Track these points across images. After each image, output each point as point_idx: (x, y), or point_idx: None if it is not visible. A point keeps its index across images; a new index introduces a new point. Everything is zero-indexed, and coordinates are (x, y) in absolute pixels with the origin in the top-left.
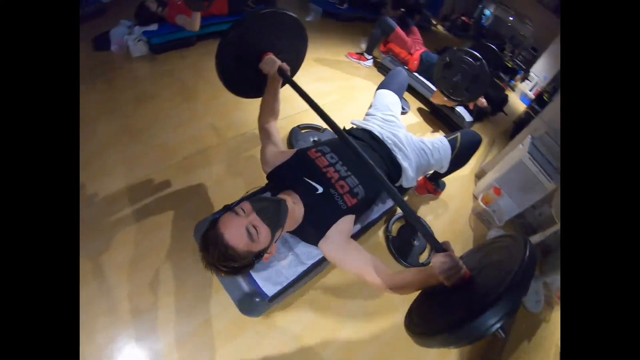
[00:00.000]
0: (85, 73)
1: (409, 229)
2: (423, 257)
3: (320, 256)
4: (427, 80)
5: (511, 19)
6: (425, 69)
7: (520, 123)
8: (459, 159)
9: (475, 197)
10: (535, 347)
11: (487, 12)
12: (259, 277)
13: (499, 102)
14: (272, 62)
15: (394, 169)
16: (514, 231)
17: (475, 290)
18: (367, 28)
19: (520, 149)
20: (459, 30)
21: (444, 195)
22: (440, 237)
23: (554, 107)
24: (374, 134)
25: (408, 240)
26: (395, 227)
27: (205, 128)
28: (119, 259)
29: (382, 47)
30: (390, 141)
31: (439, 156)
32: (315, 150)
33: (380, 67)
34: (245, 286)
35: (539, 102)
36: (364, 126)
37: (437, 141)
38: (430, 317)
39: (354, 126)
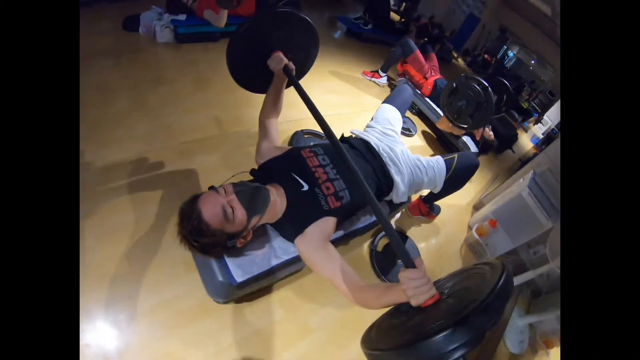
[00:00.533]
0: (111, 50)
1: None
2: None
3: (296, 254)
4: (438, 106)
5: (533, 62)
6: (437, 95)
7: (527, 161)
8: (454, 181)
9: (469, 228)
10: None
11: (510, 53)
12: (231, 262)
13: (508, 139)
14: (279, 60)
15: (386, 181)
16: None
17: (438, 314)
18: (386, 51)
19: (520, 183)
20: (479, 67)
21: (437, 220)
22: (426, 262)
23: (558, 144)
24: (371, 145)
25: (392, 258)
26: (381, 243)
27: (212, 118)
28: (101, 226)
29: (399, 66)
30: (385, 154)
31: (433, 174)
32: (309, 150)
33: (393, 87)
34: (216, 268)
35: (547, 142)
36: (362, 136)
37: (433, 160)
38: (388, 334)
39: (353, 135)
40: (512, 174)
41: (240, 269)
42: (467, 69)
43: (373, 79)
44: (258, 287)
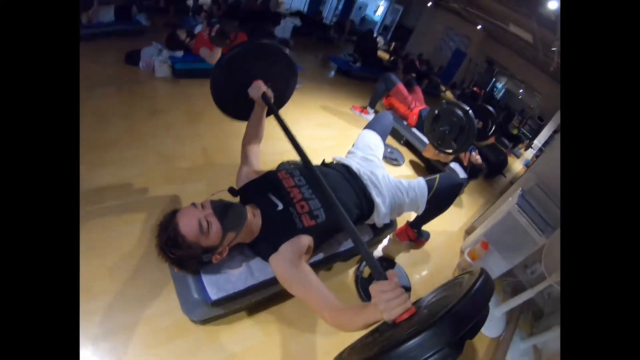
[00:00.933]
0: (112, 81)
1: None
2: None
3: (273, 274)
4: (424, 134)
5: (521, 91)
6: (422, 124)
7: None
8: (437, 201)
9: (462, 252)
10: None
11: (499, 84)
12: (206, 279)
13: (498, 164)
14: (258, 88)
15: (367, 203)
16: (502, 290)
17: (410, 325)
18: (374, 87)
19: (509, 202)
20: (468, 99)
21: (428, 246)
22: (417, 289)
23: (544, 159)
24: (351, 169)
25: None
26: (367, 270)
27: (201, 147)
28: (87, 242)
29: (384, 100)
30: (366, 177)
31: (415, 195)
32: (286, 172)
33: None
34: (192, 286)
35: None
36: (343, 161)
37: (414, 181)
38: (358, 353)
39: (334, 161)
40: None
41: (215, 286)
42: (452, 100)
43: (362, 114)
44: (235, 308)
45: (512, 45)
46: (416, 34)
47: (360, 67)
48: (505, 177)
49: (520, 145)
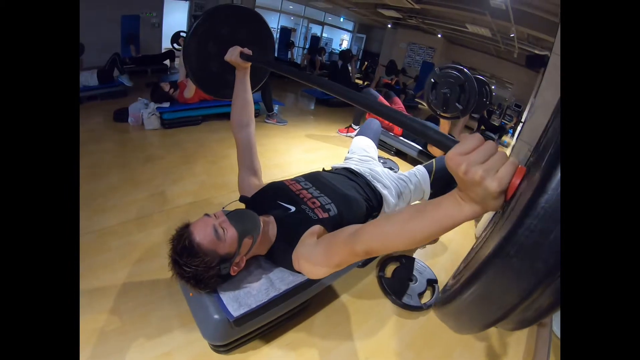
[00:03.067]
0: (103, 138)
1: (405, 269)
2: (426, 298)
3: (295, 283)
4: (413, 141)
5: (493, 87)
6: (408, 133)
7: None
8: (440, 182)
9: (477, 238)
10: None
11: None
12: (226, 296)
13: None
14: (233, 50)
15: (374, 196)
16: None
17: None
18: (354, 110)
19: None
20: None
21: (442, 238)
22: (443, 277)
23: (529, 125)
24: (352, 169)
25: (404, 280)
26: (389, 270)
27: (200, 184)
28: (93, 284)
29: (367, 115)
30: (367, 174)
31: (417, 180)
32: (290, 179)
33: None
34: (211, 306)
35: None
36: (342, 166)
37: (412, 170)
38: (482, 248)
39: (333, 169)
40: None
41: (236, 302)
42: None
43: (348, 134)
44: (260, 325)
45: (474, 45)
46: (383, 57)
47: None
48: None
49: (505, 137)
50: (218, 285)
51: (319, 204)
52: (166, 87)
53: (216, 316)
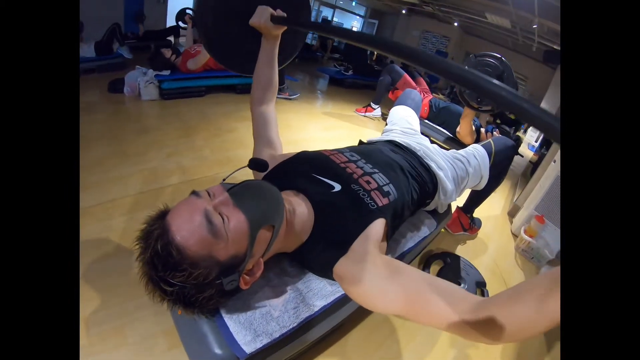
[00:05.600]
0: (95, 108)
1: (451, 270)
2: None
3: (336, 296)
4: (439, 125)
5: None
6: (435, 115)
7: (537, 162)
8: (497, 168)
9: (514, 235)
10: None
11: None
12: (232, 321)
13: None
14: (262, 11)
15: (430, 178)
16: None
17: None
18: (369, 93)
19: (553, 166)
20: (457, 96)
21: (481, 234)
22: (488, 278)
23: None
24: (398, 143)
25: (454, 282)
26: (433, 270)
27: (200, 159)
28: None
29: (390, 95)
30: (419, 148)
31: (476, 162)
32: (331, 150)
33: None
34: (210, 335)
35: (546, 145)
36: (384, 139)
37: (470, 148)
38: None
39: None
40: (529, 177)
41: (248, 329)
42: (444, 99)
43: (367, 113)
44: None
45: (491, 37)
46: None
47: (352, 74)
48: (522, 156)
49: (519, 131)
50: (221, 305)
51: (376, 185)
52: (167, 53)
53: (218, 351)
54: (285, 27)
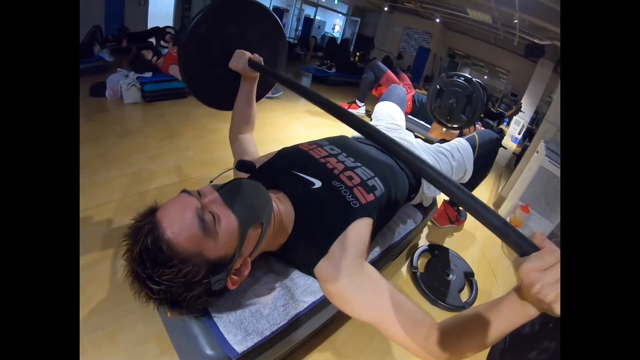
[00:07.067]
0: None
1: (439, 262)
2: (464, 295)
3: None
4: (423, 120)
5: (486, 77)
6: (418, 109)
7: (520, 153)
8: (481, 162)
9: None
10: None
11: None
12: (223, 320)
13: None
14: (240, 55)
15: (412, 173)
16: None
17: None
18: (353, 91)
19: (536, 157)
20: None
21: (467, 226)
22: (476, 268)
23: (556, 105)
24: None
25: (441, 276)
26: (421, 263)
27: (184, 161)
28: None
29: (374, 92)
30: (402, 143)
31: (460, 156)
32: (309, 143)
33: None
34: (201, 337)
35: (529, 136)
36: None
37: (454, 142)
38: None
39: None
40: (513, 168)
41: (239, 328)
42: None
43: (352, 110)
44: (275, 358)
45: (472, 32)
46: (377, 41)
47: (335, 72)
48: (506, 149)
49: (502, 124)
50: (209, 305)
51: (359, 180)
52: (149, 54)
53: (209, 352)
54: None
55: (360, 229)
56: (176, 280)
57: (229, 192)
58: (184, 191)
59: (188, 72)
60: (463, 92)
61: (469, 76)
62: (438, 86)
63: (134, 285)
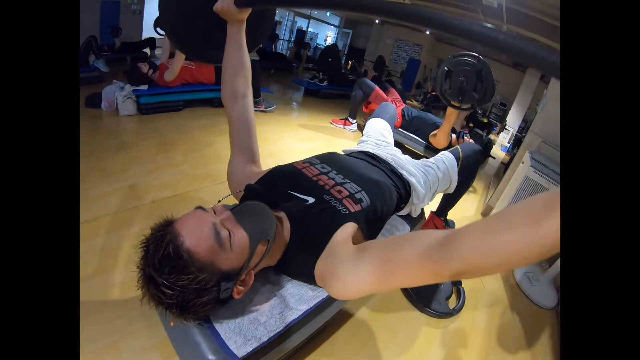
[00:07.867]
0: None
1: None
2: (452, 303)
3: (317, 300)
4: (413, 133)
5: None
6: (408, 123)
7: (509, 162)
8: (465, 172)
9: None
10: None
11: None
12: (223, 327)
13: (484, 147)
14: None
15: (402, 185)
16: (539, 264)
17: None
18: (346, 103)
19: (521, 167)
20: (432, 102)
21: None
22: (464, 281)
23: (541, 117)
24: (371, 153)
25: (432, 288)
26: None
27: (180, 175)
28: None
29: (364, 108)
30: (390, 159)
31: (445, 168)
32: (301, 162)
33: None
34: (203, 343)
35: (517, 144)
36: (358, 149)
37: (439, 155)
38: None
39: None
40: (502, 177)
41: (239, 334)
42: (421, 106)
43: (345, 126)
44: None
45: (461, 43)
46: (369, 53)
47: (327, 85)
48: (494, 158)
49: (492, 133)
50: (212, 313)
51: (347, 193)
52: (144, 67)
53: (211, 357)
54: (250, 10)
55: (349, 230)
56: (190, 287)
57: (240, 212)
58: (199, 207)
59: (170, 19)
60: (472, 69)
61: (476, 54)
62: (446, 68)
63: (145, 288)
